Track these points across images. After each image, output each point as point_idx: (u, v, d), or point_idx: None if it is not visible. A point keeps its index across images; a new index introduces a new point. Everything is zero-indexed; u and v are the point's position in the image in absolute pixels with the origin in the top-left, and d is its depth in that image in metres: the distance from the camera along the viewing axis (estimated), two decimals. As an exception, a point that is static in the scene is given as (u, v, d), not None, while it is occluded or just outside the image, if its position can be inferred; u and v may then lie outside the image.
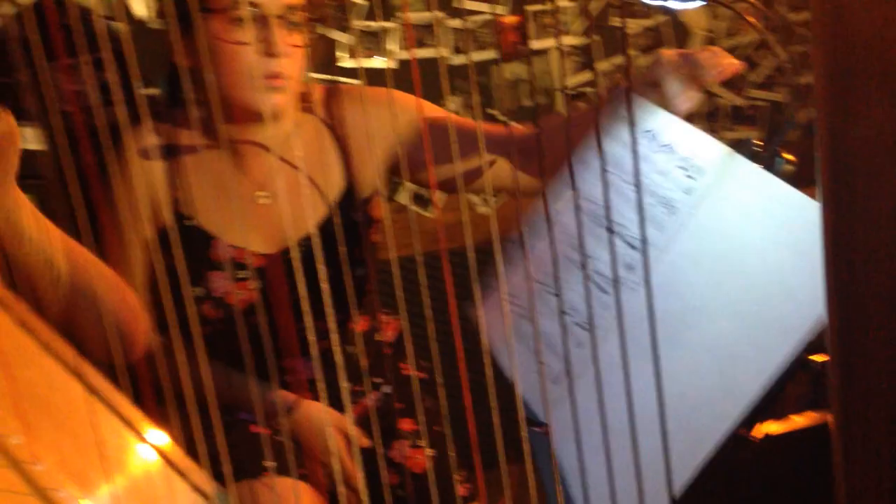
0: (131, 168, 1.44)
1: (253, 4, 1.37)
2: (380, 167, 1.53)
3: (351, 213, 1.51)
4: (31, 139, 1.43)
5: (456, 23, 2.30)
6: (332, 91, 1.56)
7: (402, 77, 2.18)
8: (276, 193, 1.47)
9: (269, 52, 1.37)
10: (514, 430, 1.04)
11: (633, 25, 2.78)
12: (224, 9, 1.36)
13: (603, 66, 2.81)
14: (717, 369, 0.84)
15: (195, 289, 1.42)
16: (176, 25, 1.35)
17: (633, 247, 0.97)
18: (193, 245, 1.43)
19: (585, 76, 2.77)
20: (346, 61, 2.24)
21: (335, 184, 1.51)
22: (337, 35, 2.21)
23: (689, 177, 0.97)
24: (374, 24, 2.22)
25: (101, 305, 1.10)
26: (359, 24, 2.22)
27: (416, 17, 2.25)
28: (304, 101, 1.52)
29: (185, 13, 1.28)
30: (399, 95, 1.52)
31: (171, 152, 1.47)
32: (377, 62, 2.25)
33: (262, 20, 1.37)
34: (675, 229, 0.94)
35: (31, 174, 1.17)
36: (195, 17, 1.35)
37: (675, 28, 2.63)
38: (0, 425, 0.92)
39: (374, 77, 2.23)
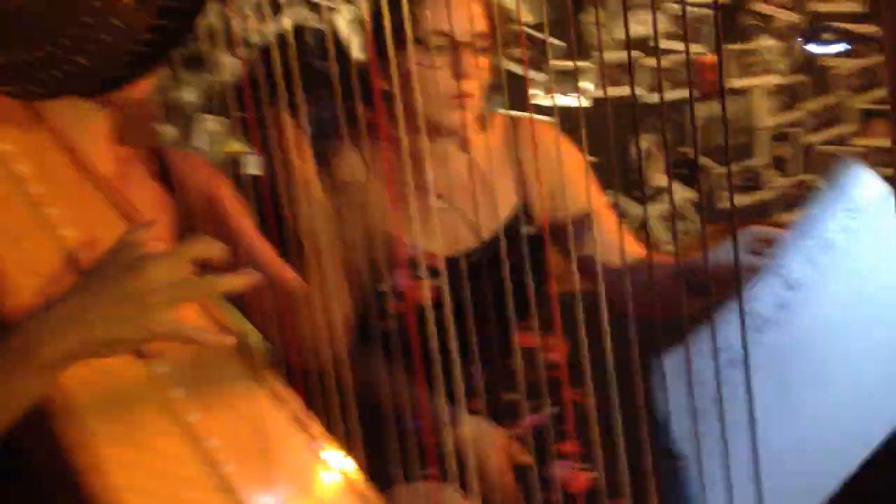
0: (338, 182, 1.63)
1: (444, 34, 1.55)
2: (546, 200, 1.63)
3: (521, 232, 1.60)
4: (252, 166, 1.66)
5: (651, 61, 2.32)
6: (516, 120, 1.72)
7: (595, 115, 2.24)
8: (453, 202, 1.64)
9: (458, 74, 1.56)
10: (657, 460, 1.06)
11: (847, 65, 2.67)
12: (420, 39, 1.53)
13: (810, 105, 2.71)
14: (851, 412, 0.82)
15: (382, 284, 1.59)
16: (376, 55, 1.53)
17: (789, 287, 0.97)
18: (382, 246, 1.61)
19: (789, 116, 2.69)
20: (540, 98, 2.33)
21: (508, 203, 1.65)
22: (533, 74, 2.31)
23: (851, 217, 0.96)
24: (569, 63, 2.29)
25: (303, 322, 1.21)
26: (556, 63, 2.30)
27: (612, 56, 2.30)
28: (487, 122, 1.69)
29: (384, 45, 1.43)
30: (570, 151, 1.68)
31: (368, 166, 1.67)
32: (571, 100, 2.32)
33: (452, 47, 1.56)
34: (830, 268, 0.93)
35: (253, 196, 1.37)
36: (395, 48, 1.46)
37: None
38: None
39: (568, 115, 2.30)
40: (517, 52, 2.27)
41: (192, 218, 1.20)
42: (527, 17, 2.27)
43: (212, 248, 0.87)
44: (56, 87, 0.94)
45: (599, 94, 2.33)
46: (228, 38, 1.87)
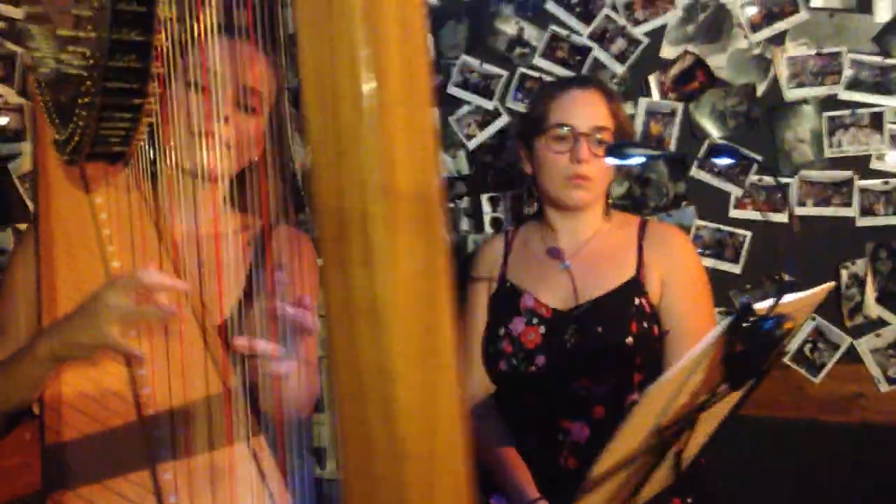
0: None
1: (566, 125, 1.84)
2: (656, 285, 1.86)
3: (628, 299, 1.83)
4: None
5: (866, 182, 2.21)
6: (647, 221, 1.97)
7: (796, 234, 2.16)
8: (574, 263, 1.91)
9: (577, 159, 1.82)
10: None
11: None
12: (548, 129, 1.86)
13: None
14: None
15: (501, 329, 1.91)
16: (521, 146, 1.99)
17: None
18: (507, 298, 1.94)
19: None
20: (736, 212, 2.29)
21: (624, 275, 1.86)
22: (730, 187, 2.29)
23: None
24: (767, 179, 2.25)
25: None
26: (752, 178, 2.27)
27: (821, 174, 2.22)
28: (618, 217, 1.98)
29: (529, 136, 1.93)
30: (691, 257, 1.91)
31: (509, 233, 2.08)
32: (774, 216, 2.26)
33: (574, 136, 1.83)
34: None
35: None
36: (533, 137, 1.91)
37: None
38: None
39: (771, 229, 2.25)
40: (716, 165, 2.28)
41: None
42: (714, 130, 2.28)
43: (157, 282, 1.05)
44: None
45: (802, 211, 2.25)
46: (446, 141, 2.30)
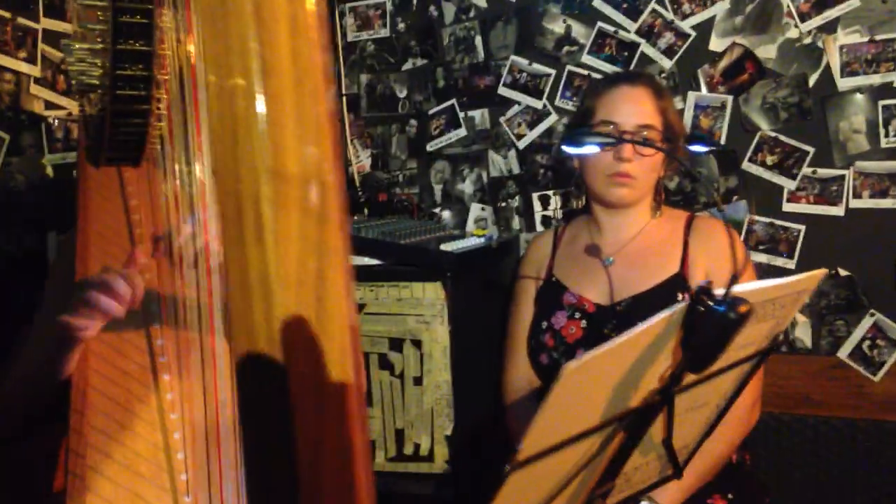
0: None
1: (610, 123, 1.83)
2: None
3: (671, 295, 1.81)
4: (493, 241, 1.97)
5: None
6: (694, 216, 1.94)
7: (852, 226, 2.11)
8: (617, 259, 1.91)
9: (619, 157, 1.81)
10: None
11: None
12: (593, 126, 1.85)
13: None
14: None
15: (543, 322, 1.94)
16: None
17: None
18: (551, 293, 1.96)
19: None
20: (789, 206, 2.24)
21: (668, 268, 1.84)
22: (783, 180, 2.24)
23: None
24: (821, 171, 2.19)
25: None
26: (806, 170, 2.22)
27: (878, 165, 2.15)
28: (667, 212, 1.95)
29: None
30: (736, 250, 1.84)
31: (558, 229, 2.09)
32: (829, 209, 2.20)
33: (617, 134, 1.81)
34: None
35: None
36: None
37: None
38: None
39: (825, 224, 2.19)
40: (768, 158, 2.24)
41: None
42: (764, 122, 2.23)
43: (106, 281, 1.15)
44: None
45: (858, 204, 2.18)
46: (497, 141, 2.35)
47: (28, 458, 1.34)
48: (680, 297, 1.80)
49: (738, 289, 0.94)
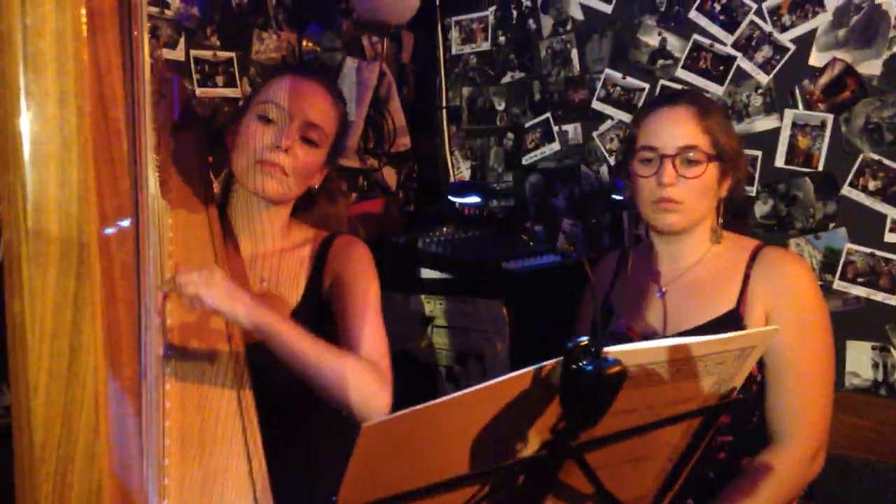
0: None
1: (652, 149, 1.72)
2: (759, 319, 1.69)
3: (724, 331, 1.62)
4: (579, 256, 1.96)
5: None
6: (763, 247, 1.76)
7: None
8: (669, 292, 1.79)
9: (660, 182, 1.69)
10: None
11: None
12: (637, 152, 1.75)
13: None
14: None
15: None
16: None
17: None
18: (604, 318, 1.87)
19: None
20: (892, 236, 2.04)
21: (723, 306, 1.70)
22: (885, 208, 2.04)
23: None
24: (928, 200, 1.97)
25: None
26: (911, 197, 2.01)
27: None
28: (730, 239, 1.80)
29: (625, 159, 1.81)
30: (804, 289, 1.69)
31: (626, 252, 1.98)
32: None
33: (659, 158, 1.70)
34: None
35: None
36: (626, 160, 1.80)
37: None
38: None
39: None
40: (870, 183, 2.05)
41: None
42: (867, 144, 2.03)
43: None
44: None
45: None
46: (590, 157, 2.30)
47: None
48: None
49: (632, 347, 0.90)
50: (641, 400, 1.00)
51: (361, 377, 1.44)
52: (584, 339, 0.86)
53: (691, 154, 1.70)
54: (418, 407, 0.78)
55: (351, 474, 0.77)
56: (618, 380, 0.85)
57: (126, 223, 0.89)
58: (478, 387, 0.81)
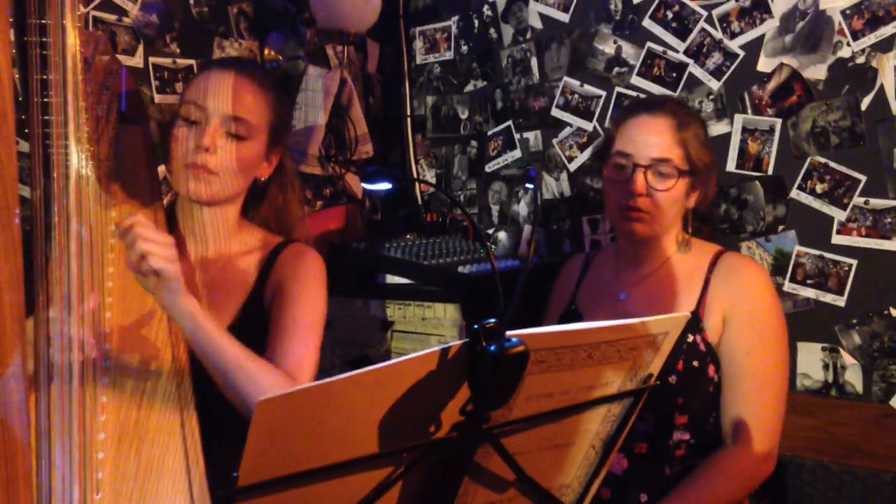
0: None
1: (626, 155, 1.74)
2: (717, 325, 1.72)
3: (680, 336, 1.63)
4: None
5: None
6: (723, 252, 1.80)
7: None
8: (632, 295, 1.82)
9: (629, 190, 1.71)
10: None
11: None
12: (611, 156, 1.78)
13: None
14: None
15: None
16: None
17: None
18: (568, 320, 1.86)
19: None
20: (839, 238, 2.07)
21: (683, 307, 1.74)
22: (832, 210, 2.07)
23: None
24: (874, 202, 2.00)
25: None
26: (857, 200, 2.04)
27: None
28: (694, 246, 1.82)
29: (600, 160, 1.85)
30: (761, 293, 1.72)
31: (590, 255, 2.03)
32: (882, 243, 2.01)
33: (632, 167, 1.73)
34: None
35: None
36: (601, 162, 1.84)
37: None
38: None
39: (878, 258, 2.00)
40: (818, 186, 2.09)
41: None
42: (814, 147, 2.07)
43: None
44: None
45: (914, 238, 1.98)
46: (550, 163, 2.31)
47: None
48: (692, 339, 1.70)
49: (538, 330, 0.93)
50: (556, 385, 1.02)
51: (275, 390, 1.41)
52: (491, 321, 0.89)
53: (663, 168, 1.71)
54: (316, 383, 0.80)
55: (250, 450, 0.79)
56: (520, 360, 0.88)
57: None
58: (379, 365, 0.83)
